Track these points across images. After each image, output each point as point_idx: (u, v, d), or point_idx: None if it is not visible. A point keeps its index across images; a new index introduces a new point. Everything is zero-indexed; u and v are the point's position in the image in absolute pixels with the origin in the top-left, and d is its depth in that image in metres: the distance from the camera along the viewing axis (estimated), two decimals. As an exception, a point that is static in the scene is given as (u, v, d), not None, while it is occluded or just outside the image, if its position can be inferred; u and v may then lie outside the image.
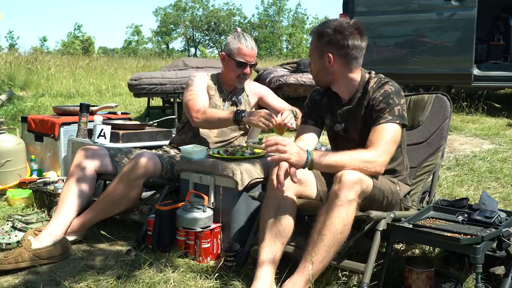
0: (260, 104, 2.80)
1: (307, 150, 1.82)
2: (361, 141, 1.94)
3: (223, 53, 2.65)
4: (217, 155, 2.32)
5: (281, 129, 2.40)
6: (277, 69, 5.76)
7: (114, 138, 3.01)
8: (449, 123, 2.27)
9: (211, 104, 2.64)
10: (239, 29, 2.68)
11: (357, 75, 2.02)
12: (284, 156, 1.78)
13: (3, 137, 3.32)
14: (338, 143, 2.12)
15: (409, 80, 5.40)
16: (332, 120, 2.11)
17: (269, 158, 1.82)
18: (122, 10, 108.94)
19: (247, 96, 2.74)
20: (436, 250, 2.19)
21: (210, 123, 2.54)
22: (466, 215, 1.85)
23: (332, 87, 2.07)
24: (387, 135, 1.88)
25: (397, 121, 1.90)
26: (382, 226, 1.79)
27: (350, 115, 2.04)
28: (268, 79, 5.15)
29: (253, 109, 2.78)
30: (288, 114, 2.40)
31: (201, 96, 2.61)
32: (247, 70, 2.62)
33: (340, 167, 1.78)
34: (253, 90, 2.78)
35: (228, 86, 2.70)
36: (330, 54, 1.97)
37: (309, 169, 1.83)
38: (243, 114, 2.38)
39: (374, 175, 1.85)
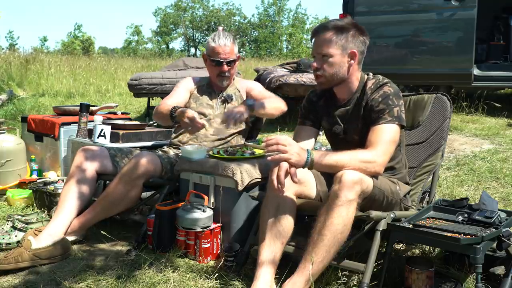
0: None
1: (307, 150, 1.82)
2: (361, 142, 1.93)
3: (204, 53, 2.71)
4: (217, 155, 2.32)
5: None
6: (277, 69, 5.76)
7: (114, 138, 3.00)
8: (449, 123, 2.27)
9: (202, 104, 2.68)
10: (220, 28, 2.71)
11: (359, 75, 2.02)
12: (285, 156, 1.78)
13: (3, 137, 3.32)
14: (338, 144, 2.11)
15: (409, 80, 5.41)
16: (329, 122, 2.11)
17: (269, 158, 1.82)
18: (122, 10, 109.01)
19: (239, 91, 2.76)
20: (436, 250, 2.19)
21: (158, 117, 2.58)
22: (466, 215, 1.85)
23: (334, 88, 2.05)
24: (386, 135, 1.88)
25: (396, 122, 1.90)
26: (382, 226, 1.79)
27: (349, 116, 2.04)
28: (268, 79, 5.14)
29: None
30: (231, 111, 2.31)
31: (177, 95, 2.68)
32: (224, 68, 2.63)
33: (340, 167, 1.78)
34: (243, 86, 2.81)
35: (217, 86, 2.73)
36: (354, 51, 1.95)
37: (309, 168, 1.83)
38: (175, 114, 2.36)
39: (374, 175, 1.85)
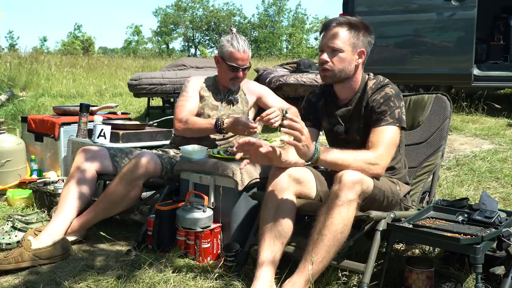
0: (259, 104, 2.80)
1: (315, 147, 1.76)
2: (362, 142, 1.93)
3: (217, 55, 2.67)
4: (217, 155, 2.32)
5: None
6: (277, 69, 5.75)
7: (114, 138, 3.01)
8: (449, 123, 2.27)
9: (207, 104, 2.66)
10: (234, 30, 2.68)
11: (360, 75, 2.02)
12: (298, 144, 1.69)
13: (3, 137, 3.32)
14: (338, 145, 2.09)
15: (409, 80, 5.40)
16: (330, 122, 2.10)
17: (284, 134, 1.71)
18: (122, 10, 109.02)
19: (244, 94, 2.75)
20: (436, 250, 2.19)
21: (192, 132, 2.59)
22: (466, 215, 1.85)
23: (336, 86, 2.04)
24: (388, 137, 1.87)
25: (397, 124, 1.90)
26: (382, 226, 1.79)
27: (351, 116, 2.03)
28: (268, 79, 5.14)
29: (252, 109, 2.78)
30: (274, 111, 2.39)
31: (190, 102, 2.66)
32: (240, 73, 2.62)
33: (345, 166, 1.77)
34: (251, 90, 2.79)
35: (224, 87, 2.71)
36: (363, 50, 1.94)
37: (313, 163, 1.81)
38: (223, 126, 2.45)
39: (375, 177, 1.85)
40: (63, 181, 2.94)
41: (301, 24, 43.88)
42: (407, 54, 5.25)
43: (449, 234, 1.67)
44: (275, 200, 1.88)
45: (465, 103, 5.03)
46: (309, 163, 1.80)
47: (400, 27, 5.22)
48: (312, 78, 4.84)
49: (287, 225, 1.85)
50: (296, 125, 1.70)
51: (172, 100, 5.80)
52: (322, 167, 2.08)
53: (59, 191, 2.74)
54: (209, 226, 2.18)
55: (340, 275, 1.91)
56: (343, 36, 1.91)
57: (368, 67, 2.06)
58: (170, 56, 27.03)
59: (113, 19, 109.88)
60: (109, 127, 3.03)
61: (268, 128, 2.44)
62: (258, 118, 2.38)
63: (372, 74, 2.05)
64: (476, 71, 4.89)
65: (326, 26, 1.96)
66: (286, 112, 2.52)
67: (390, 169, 2.03)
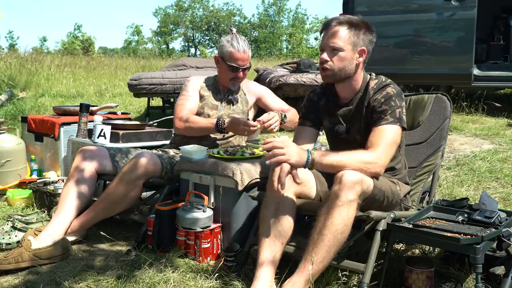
0: (259, 105, 2.80)
1: (307, 150, 1.81)
2: (363, 142, 1.93)
3: (217, 55, 2.67)
4: (217, 155, 2.32)
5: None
6: (277, 69, 5.75)
7: (114, 138, 3.01)
8: (449, 123, 2.27)
9: (207, 104, 2.66)
10: (234, 30, 2.68)
11: (362, 74, 2.02)
12: (283, 158, 1.76)
13: (3, 137, 3.32)
14: (338, 145, 2.10)
15: (409, 80, 5.41)
16: (331, 122, 2.10)
17: (267, 161, 1.80)
18: (122, 10, 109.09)
19: (244, 94, 2.75)
20: (436, 250, 2.19)
21: (192, 131, 2.59)
22: (466, 215, 1.85)
23: (337, 86, 2.04)
24: (388, 136, 1.87)
25: (398, 124, 1.90)
26: (382, 226, 1.79)
27: (352, 116, 2.03)
28: (268, 79, 5.14)
29: (251, 109, 2.78)
30: (273, 116, 2.44)
31: (190, 101, 2.66)
32: (240, 74, 2.62)
33: (341, 167, 1.77)
34: (251, 90, 2.79)
35: (224, 87, 2.71)
36: (364, 49, 1.95)
37: (309, 168, 1.82)
38: (224, 126, 2.45)
39: (374, 176, 1.85)
40: (63, 181, 2.94)
41: (301, 24, 43.87)
42: (407, 54, 5.25)
43: (449, 234, 1.67)
44: (275, 200, 1.88)
45: (465, 103, 5.03)
46: (306, 168, 1.82)
47: (400, 27, 5.23)
48: (312, 78, 4.84)
49: (287, 225, 1.85)
50: (268, 146, 1.78)
51: (172, 100, 5.80)
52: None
53: (59, 191, 2.74)
54: (209, 226, 2.18)
55: (340, 275, 1.91)
56: (343, 35, 1.92)
57: (368, 67, 2.07)
58: (170, 56, 27.04)
59: (113, 19, 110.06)
60: (109, 127, 3.03)
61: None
62: (258, 122, 2.39)
63: (374, 74, 2.05)
64: (476, 71, 4.89)
65: (326, 25, 1.96)
66: (285, 116, 2.54)
67: (390, 169, 2.03)
